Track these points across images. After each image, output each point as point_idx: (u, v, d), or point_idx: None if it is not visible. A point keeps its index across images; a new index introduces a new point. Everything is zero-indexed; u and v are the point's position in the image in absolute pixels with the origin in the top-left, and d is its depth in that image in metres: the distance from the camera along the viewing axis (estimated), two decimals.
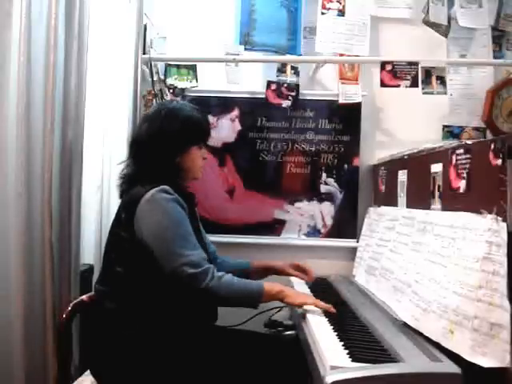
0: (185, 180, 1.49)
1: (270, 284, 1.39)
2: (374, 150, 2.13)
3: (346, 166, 2.12)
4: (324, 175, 2.12)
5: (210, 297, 1.31)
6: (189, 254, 1.28)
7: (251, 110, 2.12)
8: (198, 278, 1.27)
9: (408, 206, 1.62)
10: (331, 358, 1.04)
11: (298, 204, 2.12)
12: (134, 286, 1.32)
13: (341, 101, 2.07)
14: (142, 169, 1.43)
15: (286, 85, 2.04)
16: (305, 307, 1.42)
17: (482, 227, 1.05)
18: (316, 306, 1.37)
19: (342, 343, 1.14)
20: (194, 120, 1.47)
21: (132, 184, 1.41)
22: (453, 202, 1.26)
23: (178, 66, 2.04)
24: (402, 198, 1.69)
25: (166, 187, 1.34)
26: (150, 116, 1.50)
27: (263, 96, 2.05)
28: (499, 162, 1.03)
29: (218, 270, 1.33)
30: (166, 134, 1.42)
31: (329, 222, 2.12)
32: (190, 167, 1.48)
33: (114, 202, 1.85)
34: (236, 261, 1.71)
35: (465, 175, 1.20)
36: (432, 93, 1.96)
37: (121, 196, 1.47)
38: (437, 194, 1.37)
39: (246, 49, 2.02)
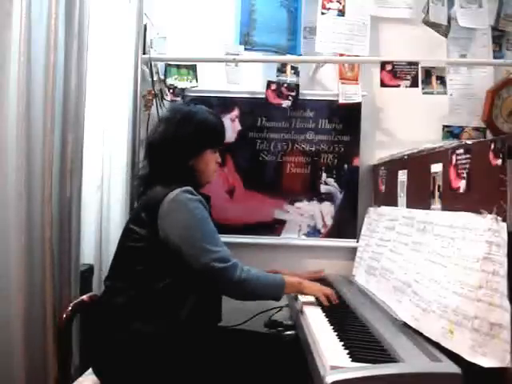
0: (198, 183, 1.49)
1: (287, 276, 1.46)
2: (374, 150, 2.13)
3: (346, 165, 2.12)
4: (324, 175, 2.12)
5: (241, 289, 1.34)
6: (217, 250, 1.32)
7: (251, 109, 2.12)
8: (229, 271, 1.31)
9: (408, 206, 1.62)
10: (331, 357, 1.04)
11: (297, 204, 2.12)
12: (146, 283, 1.33)
13: (341, 101, 2.07)
14: (156, 170, 1.44)
15: (285, 85, 2.04)
16: (304, 308, 1.42)
17: (482, 227, 1.05)
18: (328, 296, 1.44)
19: (342, 343, 1.14)
20: (208, 123, 1.49)
21: (148, 185, 1.43)
22: (453, 201, 1.26)
23: (178, 66, 2.03)
24: (402, 198, 1.69)
25: (190, 188, 1.36)
26: (166, 118, 1.51)
27: (263, 96, 2.05)
28: (499, 161, 1.03)
29: None
30: (180, 137, 1.44)
31: (329, 222, 2.12)
32: (204, 170, 1.49)
33: (114, 202, 1.85)
34: None
35: (465, 175, 1.20)
36: (432, 93, 1.96)
37: (138, 197, 1.50)
38: (437, 193, 1.37)
39: (246, 49, 2.02)
